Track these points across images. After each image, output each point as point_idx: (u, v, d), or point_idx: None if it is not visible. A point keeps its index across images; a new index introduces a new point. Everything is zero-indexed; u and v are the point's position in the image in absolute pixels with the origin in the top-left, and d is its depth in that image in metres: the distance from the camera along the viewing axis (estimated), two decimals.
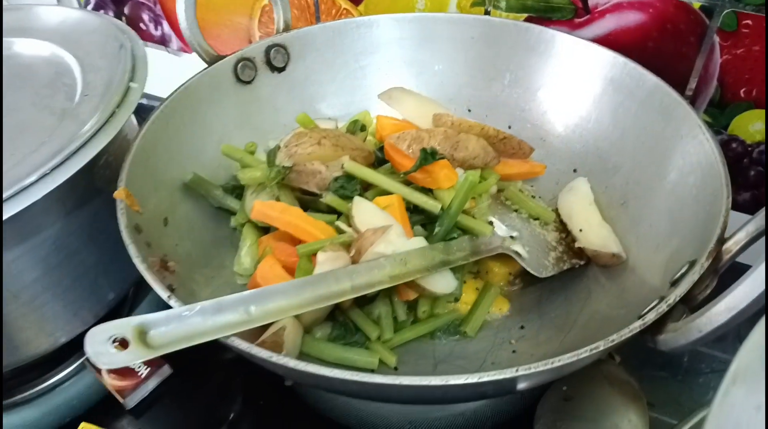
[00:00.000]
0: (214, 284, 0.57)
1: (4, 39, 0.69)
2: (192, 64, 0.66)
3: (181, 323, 0.39)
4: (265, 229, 0.61)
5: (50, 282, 0.57)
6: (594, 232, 0.60)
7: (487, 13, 0.74)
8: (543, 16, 0.72)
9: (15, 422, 0.63)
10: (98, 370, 0.64)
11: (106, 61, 0.63)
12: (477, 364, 0.54)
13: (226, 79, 0.67)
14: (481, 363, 0.54)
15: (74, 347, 0.66)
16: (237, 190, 0.64)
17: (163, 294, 0.42)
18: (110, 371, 0.64)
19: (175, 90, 0.62)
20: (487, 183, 0.60)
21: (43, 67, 0.66)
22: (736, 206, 0.73)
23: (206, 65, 0.66)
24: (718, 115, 0.69)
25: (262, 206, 0.55)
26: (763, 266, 0.33)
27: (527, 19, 0.72)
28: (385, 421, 0.59)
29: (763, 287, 0.33)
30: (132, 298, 0.74)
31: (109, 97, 0.58)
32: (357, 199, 0.55)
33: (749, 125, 0.69)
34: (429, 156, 0.56)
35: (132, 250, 0.46)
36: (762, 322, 0.28)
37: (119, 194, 0.51)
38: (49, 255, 0.56)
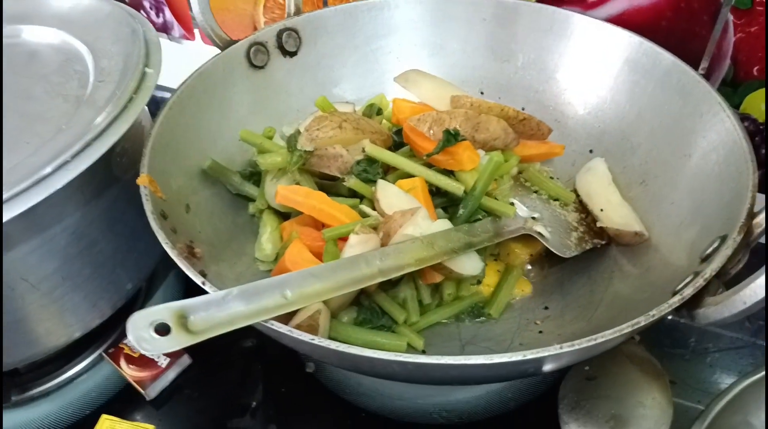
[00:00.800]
0: (237, 270, 0.56)
1: (12, 26, 0.67)
2: (195, 52, 0.66)
3: (220, 308, 0.39)
4: (284, 216, 0.61)
5: (70, 272, 0.57)
6: (615, 212, 0.60)
7: None
8: None
9: (34, 416, 0.63)
10: (117, 362, 0.64)
11: (118, 46, 0.62)
12: (504, 345, 0.54)
13: (239, 64, 0.66)
14: (508, 344, 0.55)
15: (91, 339, 0.66)
16: (255, 177, 0.63)
17: (198, 279, 0.42)
18: (130, 362, 0.63)
19: (190, 75, 0.62)
20: (509, 164, 0.60)
21: (53, 55, 0.64)
22: None
23: (219, 50, 0.65)
24: (731, 93, 0.69)
25: (286, 191, 0.54)
26: None
27: (540, 1, 0.72)
28: (409, 405, 0.59)
29: None
30: (145, 290, 0.73)
31: (125, 83, 0.57)
32: (381, 182, 0.55)
33: (762, 104, 0.69)
34: (452, 137, 0.56)
35: (161, 236, 0.45)
36: None
37: (143, 181, 0.50)
38: (69, 245, 0.55)
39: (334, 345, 0.38)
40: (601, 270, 0.60)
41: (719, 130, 0.56)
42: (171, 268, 0.67)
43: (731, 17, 0.65)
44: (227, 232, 0.59)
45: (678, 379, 0.64)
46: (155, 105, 0.59)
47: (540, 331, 0.56)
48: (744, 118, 0.70)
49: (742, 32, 0.65)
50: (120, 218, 0.59)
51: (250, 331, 0.42)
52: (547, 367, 0.41)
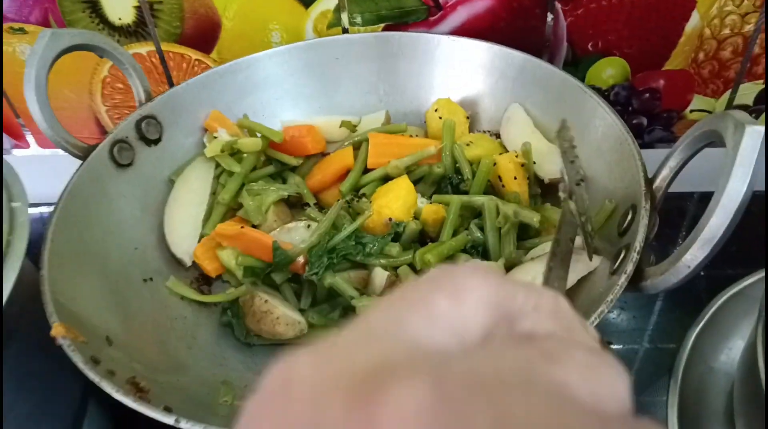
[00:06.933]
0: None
1: None
2: (33, 159, 0.60)
3: None
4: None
5: None
6: (546, 160, 0.63)
7: (345, 31, 0.74)
8: (399, 22, 0.73)
9: None
10: None
11: None
12: None
13: (106, 169, 0.61)
14: None
15: None
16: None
17: (169, 420, 0.38)
18: None
19: (60, 198, 0.56)
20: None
21: None
22: None
23: (81, 160, 0.60)
24: (574, 71, 0.76)
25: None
26: (727, 197, 0.37)
27: (386, 28, 0.74)
28: None
29: (730, 218, 0.37)
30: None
31: None
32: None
33: (602, 73, 0.76)
34: None
35: (110, 389, 0.41)
36: None
37: (58, 331, 0.44)
38: None
39: None
40: None
41: (588, 108, 0.61)
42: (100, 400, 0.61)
43: (559, 6, 0.70)
44: (158, 332, 0.55)
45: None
46: None
47: None
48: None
49: (571, 16, 0.71)
50: (30, 370, 0.53)
51: None
52: None
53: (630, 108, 0.79)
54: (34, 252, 0.51)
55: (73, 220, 0.56)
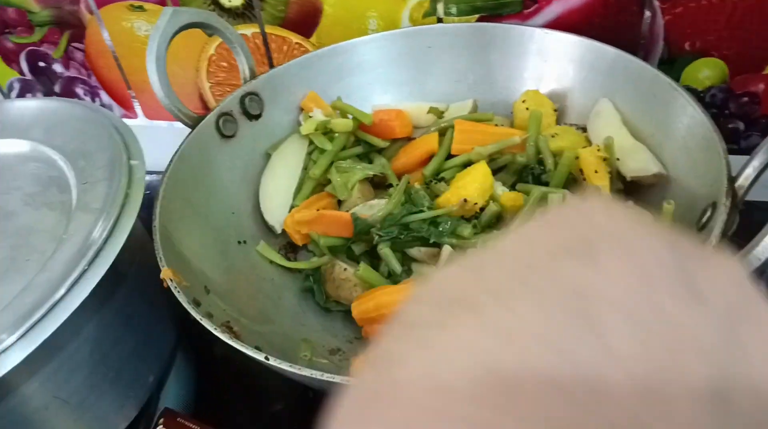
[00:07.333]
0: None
1: None
2: (140, 128, 0.66)
3: None
4: None
5: (97, 379, 0.56)
6: (630, 157, 0.63)
7: (439, 21, 0.77)
8: (494, 13, 0.75)
9: None
10: None
11: (91, 144, 0.62)
12: None
13: (212, 138, 0.67)
14: None
15: None
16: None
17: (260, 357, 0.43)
18: None
19: (171, 160, 0.62)
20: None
21: (20, 166, 0.63)
22: None
23: (190, 129, 0.66)
24: (669, 70, 0.75)
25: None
26: None
27: (480, 19, 0.76)
28: None
29: None
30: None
31: (114, 181, 0.56)
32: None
33: (698, 74, 0.75)
34: None
35: (210, 326, 0.46)
36: None
37: (167, 274, 0.50)
38: (92, 353, 0.55)
39: None
40: None
41: (678, 106, 0.61)
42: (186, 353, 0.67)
43: (657, 3, 0.70)
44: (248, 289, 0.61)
45: None
46: None
47: None
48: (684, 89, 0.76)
49: (669, 14, 0.71)
50: (133, 313, 0.59)
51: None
52: None
53: (726, 111, 0.78)
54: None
55: (181, 181, 0.61)
